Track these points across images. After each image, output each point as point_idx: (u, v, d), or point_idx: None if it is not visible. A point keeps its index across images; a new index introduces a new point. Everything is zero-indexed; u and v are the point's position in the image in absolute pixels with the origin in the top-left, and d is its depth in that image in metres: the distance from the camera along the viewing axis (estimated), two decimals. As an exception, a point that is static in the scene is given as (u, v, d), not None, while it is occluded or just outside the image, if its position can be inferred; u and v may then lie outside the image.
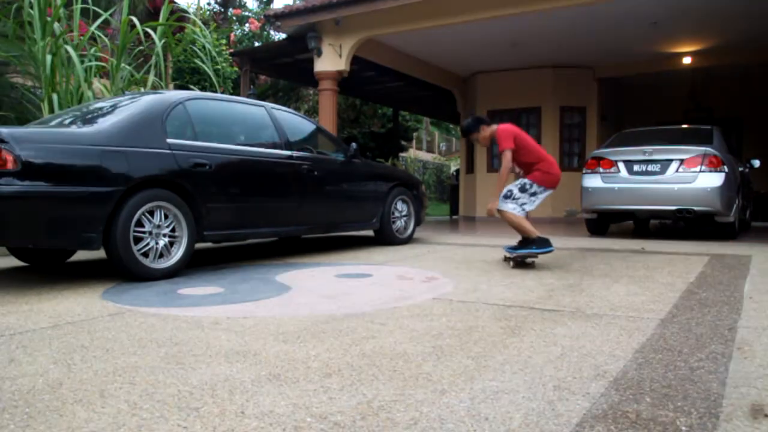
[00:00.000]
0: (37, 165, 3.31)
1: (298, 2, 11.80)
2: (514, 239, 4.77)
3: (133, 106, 4.03)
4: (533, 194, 4.43)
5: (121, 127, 3.78)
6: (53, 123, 4.24)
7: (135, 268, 3.66)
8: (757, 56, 10.05)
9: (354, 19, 8.90)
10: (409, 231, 6.33)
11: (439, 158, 31.14)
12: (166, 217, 3.88)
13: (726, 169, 6.23)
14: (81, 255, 5.11)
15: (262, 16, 14.18)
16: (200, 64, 7.55)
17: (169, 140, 3.97)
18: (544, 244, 4.31)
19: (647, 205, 6.58)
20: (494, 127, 4.57)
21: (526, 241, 4.42)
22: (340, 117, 15.01)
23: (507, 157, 4.36)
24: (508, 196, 4.42)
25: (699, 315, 2.74)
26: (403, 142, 19.59)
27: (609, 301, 3.08)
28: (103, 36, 6.74)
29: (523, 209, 4.45)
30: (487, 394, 1.70)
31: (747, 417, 1.54)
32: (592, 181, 6.83)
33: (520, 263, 4.45)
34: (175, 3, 8.95)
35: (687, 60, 10.61)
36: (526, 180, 4.46)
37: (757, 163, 7.67)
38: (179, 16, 8.06)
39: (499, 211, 4.45)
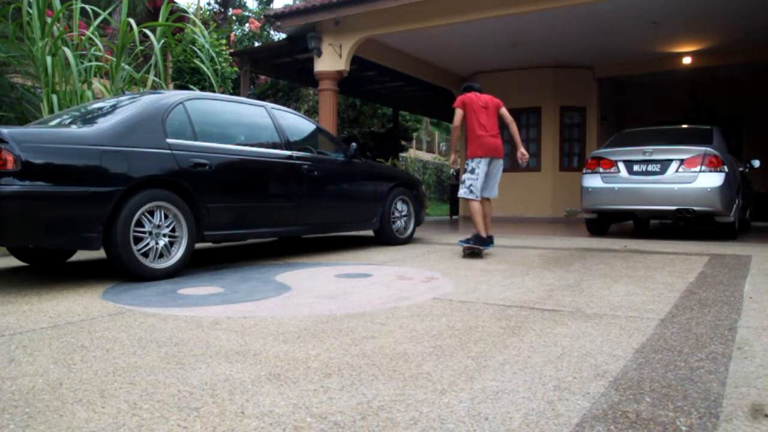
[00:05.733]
0: (37, 165, 3.31)
1: (298, 2, 11.80)
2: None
3: (133, 106, 4.03)
4: (472, 171, 5.03)
5: (121, 127, 3.78)
6: (53, 123, 4.24)
7: (135, 268, 3.66)
8: (757, 56, 10.05)
9: (354, 19, 8.90)
10: (409, 231, 6.33)
11: (439, 158, 31.11)
12: (166, 217, 3.88)
13: (726, 169, 6.23)
14: (81, 255, 5.12)
15: (262, 16, 14.18)
16: (199, 64, 7.55)
17: (169, 140, 3.97)
18: (481, 242, 5.00)
19: (647, 205, 6.57)
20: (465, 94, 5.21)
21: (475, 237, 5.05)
22: (340, 117, 15.02)
23: (456, 114, 5.14)
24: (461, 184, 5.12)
25: (699, 315, 2.73)
26: (403, 142, 19.61)
27: (609, 301, 3.08)
28: (98, 39, 6.73)
29: (471, 190, 5.02)
30: (487, 394, 1.70)
31: (747, 417, 1.54)
32: (592, 181, 6.83)
33: (470, 254, 5.03)
34: (175, 3, 8.94)
35: (687, 60, 10.62)
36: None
37: (757, 163, 7.67)
38: (179, 15, 8.05)
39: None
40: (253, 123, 4.95)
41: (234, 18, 16.38)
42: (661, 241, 6.48)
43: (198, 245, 4.42)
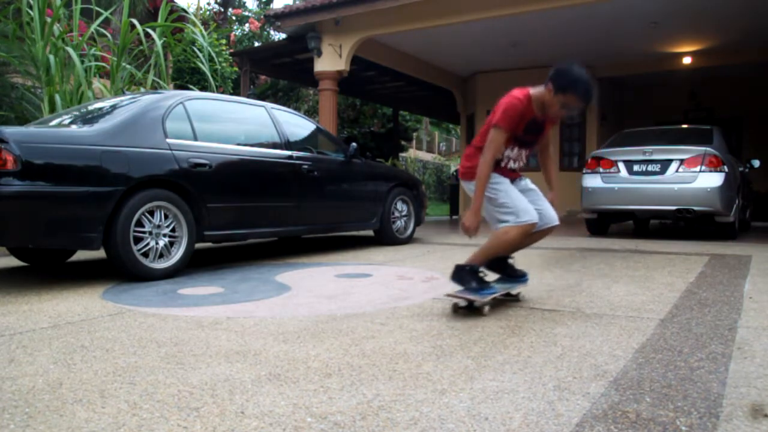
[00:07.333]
0: (38, 165, 3.31)
1: (298, 2, 11.80)
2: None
3: (133, 106, 4.03)
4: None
5: (121, 127, 3.78)
6: (53, 123, 4.24)
7: (135, 268, 3.66)
8: (757, 56, 10.04)
9: (354, 19, 8.90)
10: (409, 231, 6.33)
11: (439, 158, 31.09)
12: (166, 217, 3.88)
13: (726, 169, 6.23)
14: (81, 255, 5.11)
15: (262, 16, 14.17)
16: (199, 64, 7.55)
17: (169, 140, 3.97)
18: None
19: (647, 205, 6.57)
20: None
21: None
22: (340, 117, 15.01)
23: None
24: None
25: (699, 315, 2.73)
26: (403, 142, 19.60)
27: (609, 301, 3.07)
28: (101, 37, 6.73)
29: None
30: (487, 394, 1.70)
31: (747, 417, 1.54)
32: (592, 181, 6.83)
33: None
34: (174, 2, 8.93)
35: (687, 60, 10.61)
36: None
37: (757, 163, 7.67)
38: (178, 15, 8.05)
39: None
40: (253, 123, 4.95)
41: (234, 18, 16.37)
42: (661, 241, 6.47)
43: (198, 245, 4.41)
